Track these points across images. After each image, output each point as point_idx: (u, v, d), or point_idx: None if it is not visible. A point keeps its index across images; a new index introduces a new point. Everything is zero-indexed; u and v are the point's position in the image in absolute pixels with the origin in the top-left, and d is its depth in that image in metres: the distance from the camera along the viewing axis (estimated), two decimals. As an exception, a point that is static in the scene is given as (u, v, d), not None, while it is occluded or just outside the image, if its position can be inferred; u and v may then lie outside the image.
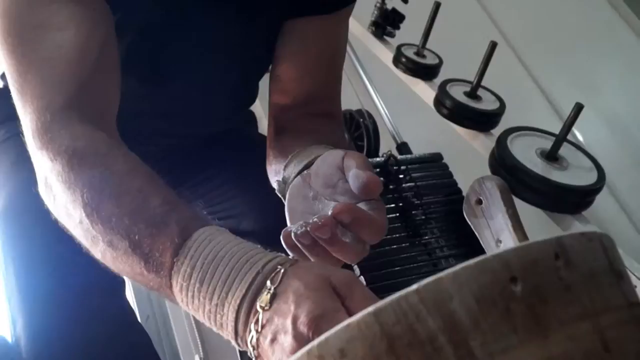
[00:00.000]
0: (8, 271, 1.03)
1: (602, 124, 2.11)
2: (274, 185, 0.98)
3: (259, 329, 0.60)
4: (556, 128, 1.23)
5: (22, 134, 0.84)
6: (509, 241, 0.73)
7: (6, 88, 1.20)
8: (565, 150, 1.22)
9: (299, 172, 0.90)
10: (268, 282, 0.61)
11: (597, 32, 2.18)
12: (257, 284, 0.62)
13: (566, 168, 1.19)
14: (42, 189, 0.81)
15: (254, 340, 0.60)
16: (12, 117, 1.00)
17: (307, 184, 0.87)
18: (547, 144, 1.22)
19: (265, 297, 0.60)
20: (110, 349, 0.99)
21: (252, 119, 1.61)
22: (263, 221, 1.30)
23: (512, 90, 1.69)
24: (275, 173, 1.01)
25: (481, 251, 0.67)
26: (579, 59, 2.21)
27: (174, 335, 1.85)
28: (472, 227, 0.86)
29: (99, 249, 0.73)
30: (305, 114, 1.11)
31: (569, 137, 1.21)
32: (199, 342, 1.81)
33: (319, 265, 0.64)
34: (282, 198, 0.92)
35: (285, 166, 0.94)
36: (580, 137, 2.08)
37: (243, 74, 1.23)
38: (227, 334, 0.64)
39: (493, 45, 1.41)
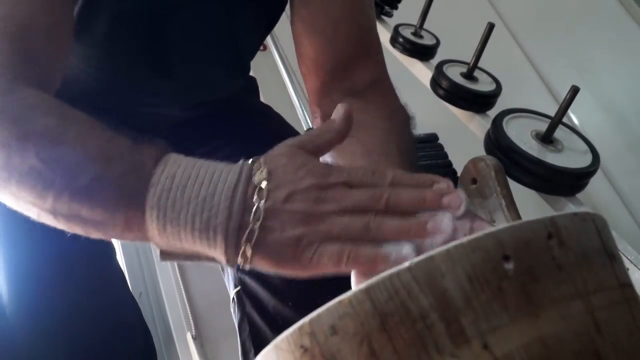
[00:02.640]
0: None
1: (597, 107, 2.11)
2: None
3: (264, 200, 0.61)
4: (552, 110, 1.23)
5: None
6: (502, 221, 0.73)
7: None
8: (560, 132, 1.22)
9: None
10: (255, 166, 0.65)
11: (594, 16, 2.18)
12: (246, 169, 0.64)
13: (561, 150, 1.19)
14: None
15: (260, 213, 0.61)
16: None
17: None
18: (543, 126, 1.22)
19: (260, 174, 0.63)
20: (97, 320, 0.99)
21: (254, 87, 1.60)
22: None
23: (508, 72, 1.69)
24: None
25: (475, 231, 0.67)
26: (575, 42, 2.20)
27: (166, 313, 1.86)
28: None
29: (53, 192, 0.67)
30: (349, 91, 1.04)
31: (564, 119, 1.21)
32: (192, 320, 1.82)
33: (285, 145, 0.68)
34: None
35: None
36: (575, 120, 2.08)
37: (235, 42, 1.22)
38: (216, 228, 0.62)
39: (490, 27, 1.40)
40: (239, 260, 0.63)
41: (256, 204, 0.62)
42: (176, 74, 1.16)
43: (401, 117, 1.01)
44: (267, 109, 1.50)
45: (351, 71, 1.04)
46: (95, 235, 0.70)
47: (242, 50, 1.28)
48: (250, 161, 0.66)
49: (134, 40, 1.03)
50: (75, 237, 0.88)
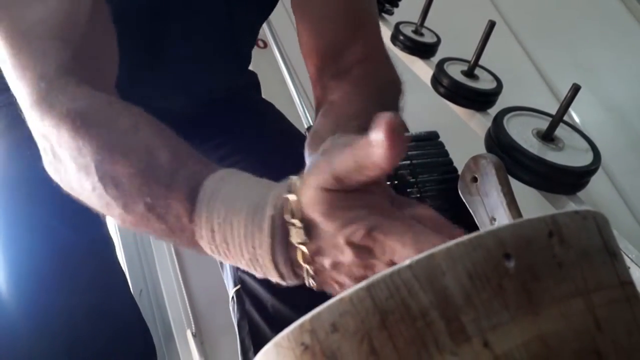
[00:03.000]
0: None
1: (598, 105, 2.11)
2: None
3: (310, 261, 0.61)
4: (553, 109, 1.23)
5: (12, 105, 0.82)
6: (503, 219, 0.73)
7: None
8: (561, 131, 1.22)
9: None
10: (287, 217, 0.61)
11: (595, 14, 2.18)
12: (278, 228, 0.62)
13: (562, 149, 1.19)
14: (49, 164, 0.78)
15: (311, 271, 0.62)
16: (6, 89, 0.99)
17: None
18: (544, 124, 1.22)
19: (299, 233, 0.60)
20: (96, 318, 0.99)
21: (256, 82, 1.60)
22: None
23: (509, 70, 1.69)
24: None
25: (476, 229, 0.67)
26: (577, 40, 2.20)
27: (166, 310, 1.86)
28: (467, 204, 0.86)
29: (117, 214, 0.71)
30: (337, 74, 1.00)
31: (565, 118, 1.21)
32: (192, 317, 1.82)
33: (316, 185, 0.61)
34: None
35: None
36: (576, 119, 2.08)
37: (233, 32, 1.22)
38: (276, 277, 0.65)
39: (491, 25, 1.40)
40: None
41: (305, 266, 0.62)
42: (174, 68, 1.16)
43: (385, 93, 0.98)
44: (269, 106, 1.50)
45: (340, 53, 1.02)
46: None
47: (241, 43, 1.28)
48: (280, 201, 0.63)
49: (131, 34, 1.03)
50: (74, 235, 0.88)
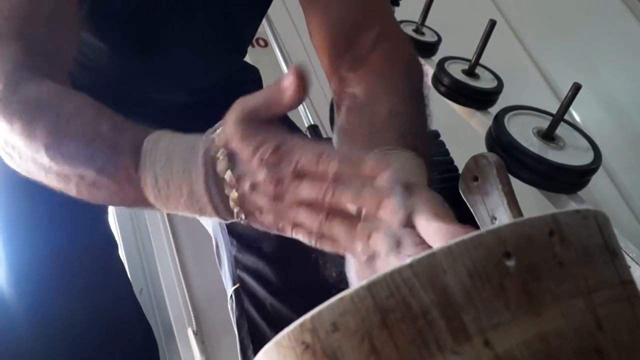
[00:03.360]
0: None
1: (599, 104, 2.11)
2: None
3: (235, 187, 0.66)
4: (553, 108, 1.23)
5: None
6: (504, 218, 0.73)
7: None
8: (562, 130, 1.22)
9: None
10: (213, 152, 0.67)
11: (596, 13, 2.18)
12: (210, 162, 0.67)
13: (562, 148, 1.19)
14: (5, 156, 0.83)
15: (237, 196, 0.67)
16: None
17: None
18: (544, 123, 1.22)
19: (222, 163, 0.67)
20: (98, 317, 0.99)
21: (257, 79, 1.59)
22: None
23: (510, 69, 1.69)
24: None
25: (477, 228, 0.67)
26: (578, 39, 2.20)
27: (167, 308, 1.86)
28: (467, 204, 0.86)
29: (74, 185, 0.76)
30: (353, 63, 1.00)
31: (566, 117, 1.21)
32: (192, 315, 1.82)
33: (231, 121, 0.67)
34: None
35: None
36: (577, 118, 2.08)
37: (231, 24, 1.22)
38: (211, 213, 0.69)
39: (492, 24, 1.40)
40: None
41: (231, 193, 0.67)
42: (172, 61, 1.16)
43: (407, 78, 0.96)
44: None
45: (353, 41, 1.01)
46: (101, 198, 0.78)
47: (238, 30, 1.27)
48: (209, 141, 0.68)
49: (129, 28, 1.03)
50: (76, 235, 0.88)
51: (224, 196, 0.67)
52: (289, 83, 0.63)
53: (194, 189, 0.68)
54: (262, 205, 0.66)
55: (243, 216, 0.68)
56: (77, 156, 0.74)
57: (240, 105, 0.68)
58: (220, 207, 0.68)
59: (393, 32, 1.04)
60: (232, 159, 0.66)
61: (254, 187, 0.65)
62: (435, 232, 0.59)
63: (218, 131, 0.68)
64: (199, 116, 1.33)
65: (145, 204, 0.73)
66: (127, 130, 0.75)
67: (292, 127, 1.40)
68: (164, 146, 0.70)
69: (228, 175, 0.66)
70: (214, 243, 1.29)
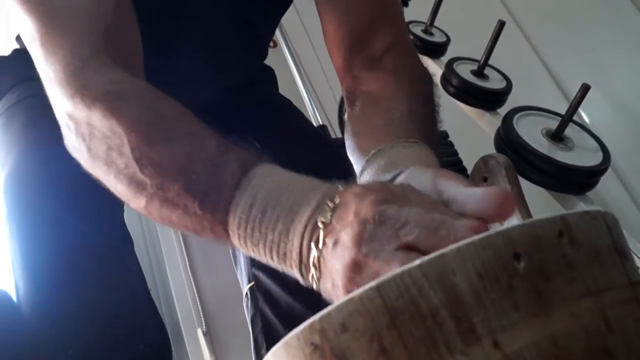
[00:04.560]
0: (12, 235, 1.02)
1: (608, 105, 2.11)
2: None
3: (320, 244, 0.59)
4: (562, 108, 1.22)
5: (35, 96, 0.81)
6: (513, 219, 0.73)
7: (22, 50, 1.19)
8: (570, 130, 1.22)
9: None
10: (328, 201, 0.60)
11: (605, 13, 2.17)
12: (321, 206, 0.61)
13: (571, 148, 1.19)
14: (71, 141, 0.78)
15: (315, 258, 0.60)
16: (27, 79, 0.98)
17: None
18: (553, 124, 1.22)
19: (326, 214, 0.60)
20: (112, 315, 0.99)
21: (273, 79, 1.60)
22: None
23: (519, 69, 1.68)
24: (355, 168, 0.90)
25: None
26: (587, 40, 2.20)
27: (175, 308, 1.86)
28: (476, 205, 0.85)
29: (145, 195, 0.70)
30: (367, 63, 1.01)
31: (575, 117, 1.21)
32: (202, 315, 1.82)
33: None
34: None
35: (363, 171, 0.84)
36: (586, 118, 2.08)
37: (251, 21, 1.22)
38: (291, 263, 0.63)
39: (501, 24, 1.40)
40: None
41: (313, 249, 0.60)
42: (190, 53, 1.16)
43: (419, 86, 0.98)
44: (287, 102, 1.50)
45: (367, 41, 1.02)
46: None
47: (258, 30, 1.28)
48: (333, 187, 0.63)
49: (148, 24, 1.04)
50: (90, 232, 0.87)
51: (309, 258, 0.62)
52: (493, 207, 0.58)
53: (285, 252, 0.63)
54: (331, 271, 0.60)
55: (315, 278, 0.62)
56: (168, 164, 0.69)
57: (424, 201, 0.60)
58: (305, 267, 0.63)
59: (406, 40, 1.06)
60: (335, 211, 0.60)
61: (335, 245, 0.58)
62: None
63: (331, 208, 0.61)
64: (217, 117, 1.35)
65: (223, 241, 0.69)
66: (234, 150, 0.70)
67: (308, 125, 1.41)
68: (263, 196, 0.65)
69: (321, 226, 0.59)
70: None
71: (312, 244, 0.60)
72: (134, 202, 0.73)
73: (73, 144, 0.78)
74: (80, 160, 0.78)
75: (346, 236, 0.57)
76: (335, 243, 0.58)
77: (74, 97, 0.75)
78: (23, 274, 0.98)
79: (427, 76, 1.01)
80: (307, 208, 0.61)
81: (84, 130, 0.74)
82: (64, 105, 0.77)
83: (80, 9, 0.80)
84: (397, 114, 0.88)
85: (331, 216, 0.59)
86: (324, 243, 0.59)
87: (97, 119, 0.72)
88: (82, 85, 0.75)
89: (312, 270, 0.60)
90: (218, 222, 0.67)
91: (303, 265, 0.62)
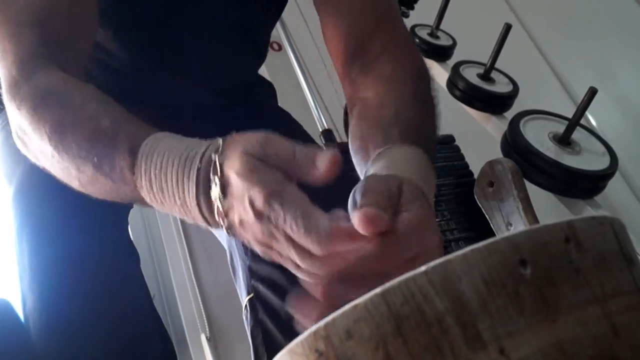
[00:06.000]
0: (21, 248, 1.03)
1: (615, 108, 2.10)
2: None
3: (224, 216, 0.66)
4: (569, 112, 1.22)
5: None
6: (519, 224, 0.73)
7: None
8: (578, 134, 1.22)
9: None
10: (211, 175, 0.66)
11: (612, 17, 2.17)
12: (203, 180, 0.67)
13: (579, 152, 1.18)
14: (16, 140, 0.86)
15: (226, 223, 0.67)
16: None
17: None
18: (560, 128, 1.22)
19: (215, 190, 0.66)
20: (116, 323, 0.99)
21: (272, 91, 1.60)
22: None
23: (525, 73, 1.68)
24: (359, 172, 0.92)
25: (492, 234, 0.67)
26: (593, 43, 2.19)
27: (179, 314, 1.86)
28: (483, 209, 0.85)
29: (73, 177, 0.78)
30: (363, 67, 1.02)
31: (582, 121, 1.21)
32: (206, 321, 1.82)
33: (246, 142, 0.66)
34: None
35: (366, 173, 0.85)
36: (593, 122, 2.07)
37: (249, 21, 1.23)
38: (191, 202, 0.69)
39: (507, 28, 1.40)
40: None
41: (219, 220, 0.68)
42: (189, 53, 1.17)
43: (413, 84, 0.98)
44: (285, 114, 1.50)
45: (365, 46, 1.03)
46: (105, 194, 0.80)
47: (256, 30, 1.29)
48: (206, 159, 0.68)
49: (145, 20, 1.04)
50: (95, 242, 0.89)
51: (214, 214, 0.68)
52: (326, 164, 0.64)
53: (186, 202, 0.69)
54: (249, 239, 0.67)
55: (233, 235, 0.69)
56: (77, 149, 0.75)
57: (259, 142, 0.66)
58: (212, 221, 0.69)
59: (402, 38, 1.06)
60: (225, 186, 0.66)
61: (242, 223, 0.66)
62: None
63: (219, 150, 0.67)
64: (215, 124, 1.35)
65: (143, 203, 0.75)
66: (128, 128, 0.75)
67: (307, 138, 1.40)
68: (161, 150, 0.71)
69: (218, 203, 0.66)
70: (228, 254, 1.29)
71: (217, 217, 0.67)
72: (71, 184, 0.81)
73: (17, 141, 0.86)
74: (25, 153, 0.86)
75: (248, 217, 0.64)
76: (241, 223, 0.66)
77: (11, 102, 0.83)
78: (31, 286, 0.98)
79: (423, 72, 1.01)
80: (191, 185, 0.68)
81: (22, 127, 0.82)
82: (8, 109, 0.85)
83: (32, 12, 0.88)
84: (384, 122, 0.89)
85: (224, 195, 0.66)
86: (228, 217, 0.67)
87: (25, 118, 0.80)
88: (16, 92, 0.83)
89: (218, 203, 0.66)
90: (137, 195, 0.73)
91: (212, 226, 0.70)
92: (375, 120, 0.90)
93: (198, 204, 0.68)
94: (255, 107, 1.44)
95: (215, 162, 0.66)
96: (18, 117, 0.81)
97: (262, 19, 1.29)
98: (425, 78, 1.00)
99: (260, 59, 1.45)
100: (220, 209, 0.66)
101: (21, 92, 0.81)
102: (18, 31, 0.86)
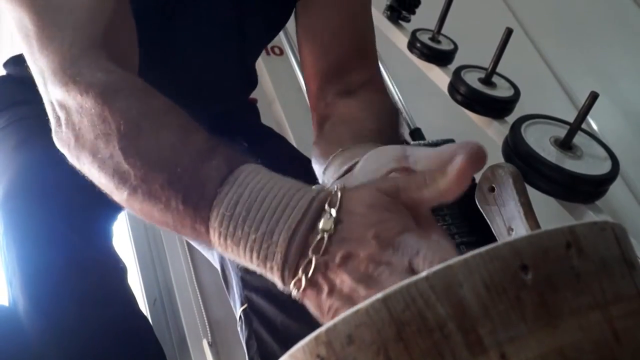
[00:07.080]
0: (10, 255, 1.02)
1: (617, 113, 2.10)
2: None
3: (321, 253, 0.58)
4: (571, 116, 1.22)
5: (24, 119, 0.82)
6: (520, 229, 0.73)
7: (9, 76, 1.20)
8: (579, 139, 1.21)
9: (340, 177, 0.82)
10: (327, 206, 0.60)
11: (614, 22, 2.17)
12: (314, 209, 0.60)
13: (580, 157, 1.18)
14: (58, 132, 0.78)
15: (311, 267, 0.58)
16: (14, 104, 0.98)
17: None
18: (562, 132, 1.22)
19: (327, 221, 0.58)
20: (107, 330, 0.99)
21: (254, 110, 1.62)
22: None
23: (527, 77, 1.68)
24: (318, 176, 0.92)
25: (493, 239, 0.66)
26: (595, 47, 2.20)
27: (181, 319, 1.85)
28: (484, 214, 0.85)
29: (128, 187, 0.69)
30: (342, 93, 1.05)
31: (583, 125, 1.21)
32: (207, 326, 1.81)
33: (373, 186, 0.62)
34: None
35: (325, 170, 0.87)
36: (595, 126, 2.07)
37: (239, 50, 1.23)
38: (273, 266, 0.61)
39: (509, 32, 1.40)
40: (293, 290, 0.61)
41: (312, 256, 0.59)
42: (180, 73, 1.16)
43: (390, 118, 1.02)
44: (269, 132, 1.52)
45: (346, 74, 1.06)
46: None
47: (248, 56, 1.30)
48: (323, 194, 0.62)
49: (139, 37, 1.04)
50: (87, 247, 0.88)
51: (301, 256, 0.60)
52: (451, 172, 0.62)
53: (273, 233, 0.60)
54: (337, 283, 0.59)
55: (302, 285, 0.60)
56: (153, 155, 0.69)
57: (386, 179, 0.64)
58: (290, 268, 0.61)
59: (380, 79, 1.13)
60: (338, 221, 0.59)
61: (345, 259, 0.58)
62: None
63: (338, 190, 0.61)
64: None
65: (203, 240, 0.67)
66: (223, 146, 0.69)
67: (294, 151, 1.42)
68: (261, 178, 0.64)
69: (326, 236, 0.58)
70: (219, 269, 1.28)
71: (310, 252, 0.58)
72: (117, 195, 0.72)
73: (61, 136, 0.77)
74: (66, 153, 0.78)
75: (364, 253, 0.57)
76: (346, 258, 0.57)
77: (67, 84, 0.75)
78: (22, 289, 0.98)
79: (395, 109, 1.07)
80: (297, 210, 0.60)
81: (75, 119, 0.74)
82: (55, 94, 0.77)
83: (78, 5, 0.81)
84: (365, 131, 0.90)
85: (335, 225, 0.59)
86: (327, 251, 0.58)
87: (89, 106, 0.72)
88: (76, 73, 0.75)
89: (302, 276, 0.59)
90: (200, 219, 0.65)
91: (288, 269, 0.60)
92: (356, 128, 0.93)
93: (293, 232, 0.60)
94: (240, 127, 1.45)
95: (337, 193, 0.61)
96: (75, 106, 0.74)
97: (253, 52, 1.31)
98: (398, 115, 1.05)
99: (252, 81, 1.46)
100: (325, 240, 0.58)
101: (85, 76, 0.75)
102: (70, 17, 0.80)
